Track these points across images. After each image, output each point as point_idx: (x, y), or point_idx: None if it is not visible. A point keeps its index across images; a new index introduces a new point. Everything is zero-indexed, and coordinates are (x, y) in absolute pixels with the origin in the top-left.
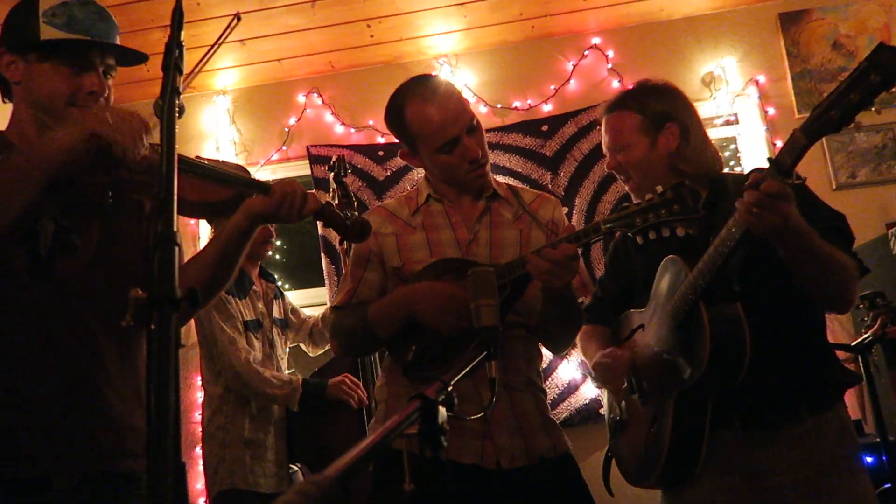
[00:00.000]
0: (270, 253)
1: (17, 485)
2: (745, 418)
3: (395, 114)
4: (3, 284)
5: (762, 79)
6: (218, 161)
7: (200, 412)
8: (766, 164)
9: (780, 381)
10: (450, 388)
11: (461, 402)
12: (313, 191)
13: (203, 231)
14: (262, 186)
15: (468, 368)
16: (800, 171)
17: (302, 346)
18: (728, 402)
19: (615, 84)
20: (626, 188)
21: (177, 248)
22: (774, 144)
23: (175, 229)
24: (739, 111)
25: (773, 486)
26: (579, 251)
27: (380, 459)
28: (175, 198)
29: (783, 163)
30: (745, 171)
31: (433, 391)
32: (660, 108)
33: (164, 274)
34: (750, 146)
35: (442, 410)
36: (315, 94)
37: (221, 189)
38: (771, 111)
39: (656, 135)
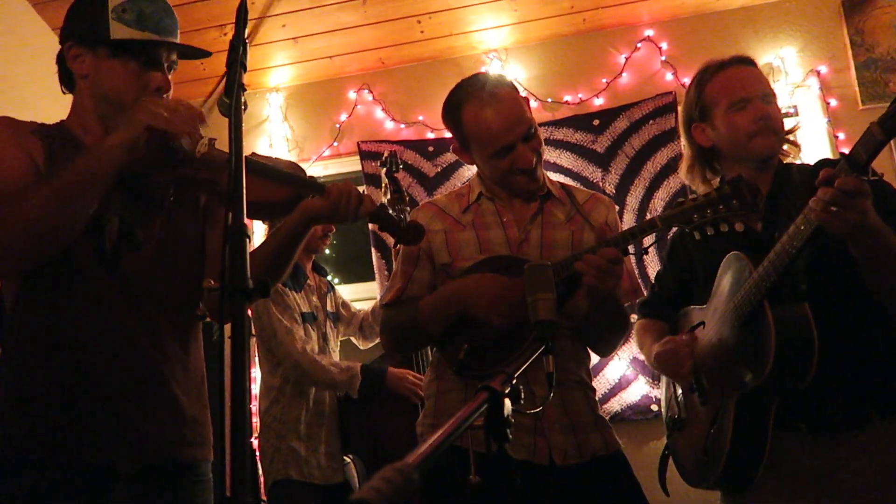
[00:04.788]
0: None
1: (85, 471)
2: (811, 421)
3: (452, 110)
4: (71, 278)
5: (823, 69)
6: (272, 158)
7: (255, 403)
8: (828, 156)
9: (849, 382)
10: (514, 381)
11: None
12: (366, 191)
13: (257, 227)
14: (319, 187)
15: (529, 362)
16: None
17: (352, 339)
18: (794, 404)
19: (668, 77)
20: (760, 147)
21: (247, 241)
22: (836, 137)
23: (244, 221)
24: (799, 103)
25: (841, 492)
26: (624, 255)
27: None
28: (244, 191)
29: (858, 158)
30: (809, 164)
31: (498, 383)
32: None
33: (236, 265)
34: (810, 139)
35: (507, 403)
36: (366, 91)
37: (280, 189)
38: (833, 103)
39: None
